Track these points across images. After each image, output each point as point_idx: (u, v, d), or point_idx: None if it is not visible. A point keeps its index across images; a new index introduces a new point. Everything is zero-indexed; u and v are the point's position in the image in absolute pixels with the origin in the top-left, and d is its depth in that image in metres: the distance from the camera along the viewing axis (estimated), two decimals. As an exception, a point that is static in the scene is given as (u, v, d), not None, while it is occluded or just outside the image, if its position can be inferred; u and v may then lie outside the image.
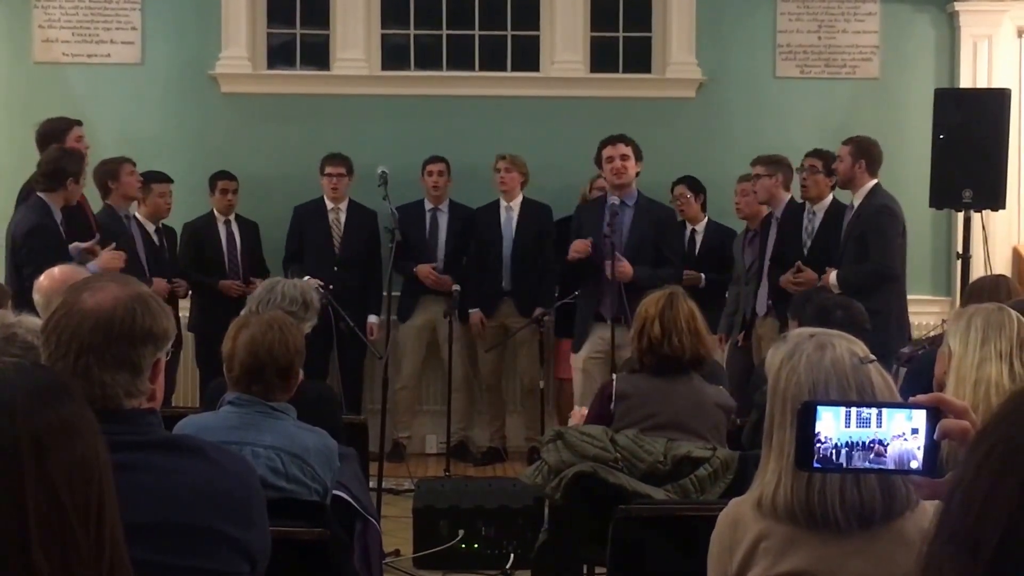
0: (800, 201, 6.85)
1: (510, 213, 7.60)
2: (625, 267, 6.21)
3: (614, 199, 6.45)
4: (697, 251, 7.50)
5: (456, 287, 7.31)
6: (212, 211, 7.61)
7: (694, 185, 7.58)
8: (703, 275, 7.33)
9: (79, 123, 6.49)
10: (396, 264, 6.78)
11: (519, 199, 7.61)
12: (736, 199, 7.35)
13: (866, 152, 6.44)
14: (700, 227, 7.58)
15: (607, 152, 6.46)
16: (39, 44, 7.92)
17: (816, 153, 6.78)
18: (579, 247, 6.35)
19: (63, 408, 1.48)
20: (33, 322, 2.96)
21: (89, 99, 7.79)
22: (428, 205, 7.70)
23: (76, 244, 5.83)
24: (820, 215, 6.69)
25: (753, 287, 7.01)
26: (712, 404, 4.24)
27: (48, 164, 5.90)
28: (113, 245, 6.00)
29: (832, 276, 6.27)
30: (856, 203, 6.43)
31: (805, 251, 6.63)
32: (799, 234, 6.73)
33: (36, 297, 4.19)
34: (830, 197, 6.72)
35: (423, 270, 7.51)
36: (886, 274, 6.25)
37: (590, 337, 6.44)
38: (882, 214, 6.33)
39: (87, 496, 1.44)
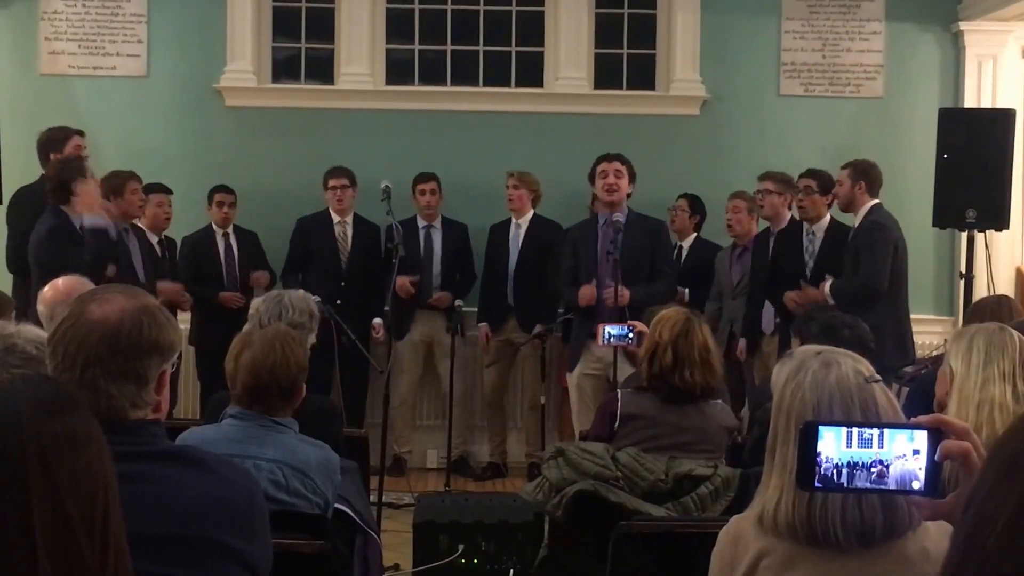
0: (798, 220, 6.85)
1: (518, 230, 7.60)
2: (623, 295, 6.25)
3: (617, 216, 6.44)
4: (682, 266, 7.50)
5: (459, 302, 7.30)
6: (211, 224, 7.61)
7: (695, 204, 7.60)
8: (687, 290, 7.32)
9: (79, 132, 6.49)
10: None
11: (528, 215, 7.60)
12: (728, 216, 7.35)
13: (865, 174, 6.46)
14: (687, 243, 7.60)
15: (602, 167, 6.51)
16: (45, 56, 7.94)
17: (810, 173, 6.77)
18: (588, 296, 6.45)
19: (69, 419, 1.49)
20: (33, 332, 2.92)
21: (94, 111, 7.80)
22: (421, 223, 7.67)
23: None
24: (820, 235, 6.70)
25: (742, 302, 7.04)
26: (718, 427, 4.22)
27: (51, 180, 5.90)
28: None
29: (826, 287, 6.30)
30: (856, 223, 6.46)
31: (807, 271, 6.63)
32: (799, 252, 6.74)
33: (40, 308, 4.17)
34: (828, 217, 6.72)
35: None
36: (872, 287, 6.25)
37: (583, 355, 6.50)
38: (873, 230, 6.37)
39: (92, 506, 1.44)
